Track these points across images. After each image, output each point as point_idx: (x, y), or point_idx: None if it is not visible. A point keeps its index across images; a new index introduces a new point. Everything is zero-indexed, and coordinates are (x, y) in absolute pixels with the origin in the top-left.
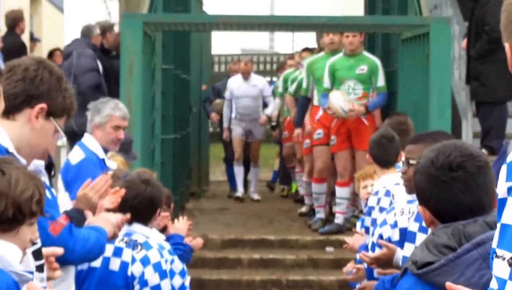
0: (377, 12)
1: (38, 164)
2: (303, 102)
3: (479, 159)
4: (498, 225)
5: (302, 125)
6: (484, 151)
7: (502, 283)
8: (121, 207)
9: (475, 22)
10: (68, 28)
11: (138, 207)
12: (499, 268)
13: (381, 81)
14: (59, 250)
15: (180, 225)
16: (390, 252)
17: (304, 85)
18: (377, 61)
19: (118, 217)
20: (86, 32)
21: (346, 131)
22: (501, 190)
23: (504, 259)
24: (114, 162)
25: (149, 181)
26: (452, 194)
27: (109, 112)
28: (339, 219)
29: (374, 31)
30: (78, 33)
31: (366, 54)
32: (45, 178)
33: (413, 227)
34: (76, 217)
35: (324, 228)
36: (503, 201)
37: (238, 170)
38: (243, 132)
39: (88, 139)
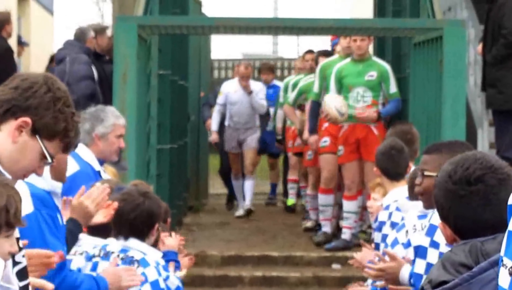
0: (387, 14)
1: (56, 186)
2: (314, 107)
3: (501, 172)
4: (506, 232)
5: (317, 131)
6: None
7: None
8: (117, 221)
9: (492, 25)
10: (58, 31)
11: (135, 221)
12: (502, 277)
13: (393, 88)
14: (49, 286)
15: (171, 242)
16: (397, 265)
17: (316, 89)
18: (387, 66)
19: (131, 277)
20: (80, 35)
21: (355, 141)
22: None
23: (506, 267)
24: (107, 174)
25: (147, 194)
26: (471, 210)
27: (113, 121)
28: (346, 234)
29: (384, 35)
30: (69, 36)
31: (376, 59)
32: (58, 202)
33: (424, 241)
34: (72, 230)
35: (331, 244)
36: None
37: (238, 186)
38: (237, 143)
39: (82, 150)
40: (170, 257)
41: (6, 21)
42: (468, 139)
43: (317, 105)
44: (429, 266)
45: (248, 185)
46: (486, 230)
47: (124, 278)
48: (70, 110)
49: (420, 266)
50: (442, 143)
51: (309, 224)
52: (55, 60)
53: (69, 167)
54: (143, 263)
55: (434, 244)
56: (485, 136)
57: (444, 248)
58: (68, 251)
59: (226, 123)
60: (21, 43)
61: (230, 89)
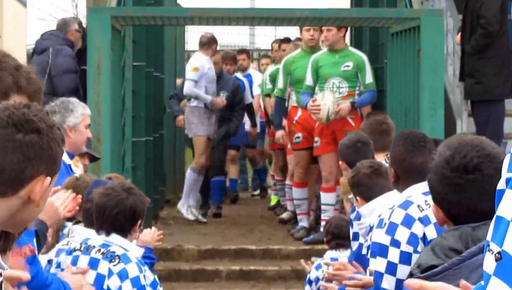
0: (364, 4)
1: None
2: (280, 103)
3: (497, 161)
4: (494, 217)
5: (282, 126)
6: None
7: (487, 278)
8: (100, 216)
9: (470, 15)
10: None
11: (118, 217)
12: (488, 262)
13: (369, 78)
14: (24, 276)
15: (147, 237)
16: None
17: (280, 85)
18: (363, 56)
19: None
20: (62, 26)
21: (331, 133)
22: (501, 181)
23: (492, 253)
24: (77, 168)
25: (131, 190)
26: (467, 198)
27: (81, 111)
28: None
29: (361, 25)
30: (42, 28)
31: (352, 49)
32: None
33: (385, 240)
34: (41, 229)
35: (309, 237)
36: (500, 193)
37: (197, 180)
38: (213, 130)
39: None
40: (145, 253)
41: None
42: (447, 130)
43: (282, 101)
44: (390, 264)
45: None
46: (480, 218)
47: (84, 287)
48: None
49: (380, 265)
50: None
51: (285, 215)
52: (35, 51)
53: None
54: (125, 259)
55: (395, 243)
56: (464, 127)
57: (404, 247)
58: (38, 250)
59: (200, 104)
60: None
61: (207, 64)
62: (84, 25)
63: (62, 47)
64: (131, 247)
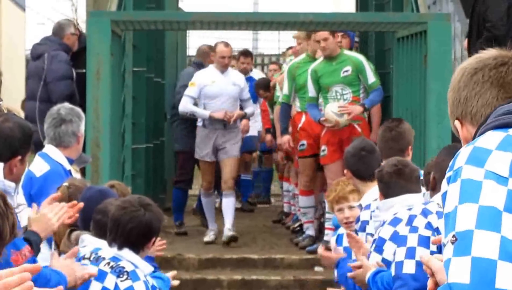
0: (370, 8)
1: (8, 185)
2: (285, 109)
3: None
4: (443, 219)
5: (288, 132)
6: None
7: (447, 263)
8: (114, 229)
9: (477, 19)
10: (30, 27)
11: (132, 232)
12: (446, 253)
13: (371, 78)
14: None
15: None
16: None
17: (286, 91)
18: (360, 57)
19: (84, 269)
20: (58, 30)
21: (338, 141)
22: (443, 187)
23: (448, 241)
24: (77, 173)
25: (148, 207)
26: None
27: (83, 116)
28: (328, 236)
29: (366, 29)
30: (41, 32)
31: (348, 53)
32: (11, 200)
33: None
34: (35, 240)
35: (313, 246)
36: (444, 195)
37: (208, 202)
38: (213, 150)
39: (51, 150)
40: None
41: None
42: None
43: (288, 107)
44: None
45: (229, 204)
46: None
47: (76, 272)
48: None
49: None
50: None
51: (291, 222)
52: (32, 56)
53: (39, 167)
54: (133, 276)
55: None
56: None
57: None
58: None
59: (199, 123)
60: None
61: (207, 80)
62: (81, 28)
63: (57, 53)
64: (141, 264)
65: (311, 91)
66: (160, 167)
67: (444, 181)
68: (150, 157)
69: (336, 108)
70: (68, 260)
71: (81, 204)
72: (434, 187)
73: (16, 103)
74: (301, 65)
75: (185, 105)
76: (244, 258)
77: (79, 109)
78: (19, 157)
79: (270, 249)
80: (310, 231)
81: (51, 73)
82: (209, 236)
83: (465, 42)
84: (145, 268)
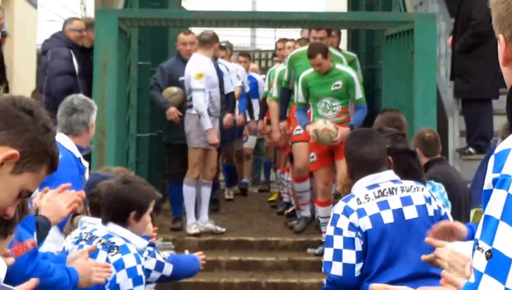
0: (361, 8)
1: None
2: (284, 94)
3: None
4: (482, 217)
5: (286, 117)
6: (471, 149)
7: (478, 276)
8: (101, 207)
9: (461, 17)
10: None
11: (111, 206)
12: (478, 260)
13: (359, 94)
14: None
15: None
16: None
17: (285, 77)
18: (351, 73)
19: (101, 276)
20: (62, 27)
21: (328, 148)
22: (487, 181)
23: (482, 251)
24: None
25: (130, 183)
26: None
27: (95, 107)
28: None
29: (357, 28)
30: (52, 29)
31: (339, 67)
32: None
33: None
34: (43, 224)
35: (319, 249)
36: (488, 193)
37: (191, 193)
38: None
39: (62, 139)
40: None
41: None
42: (439, 127)
43: (287, 92)
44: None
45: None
46: None
47: (94, 273)
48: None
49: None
50: None
51: (290, 209)
52: (41, 51)
53: None
54: (123, 249)
55: (338, 231)
56: (456, 125)
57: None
58: (38, 243)
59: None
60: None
61: (207, 68)
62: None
63: (59, 50)
64: (133, 239)
65: (301, 97)
66: (163, 154)
67: (488, 176)
68: (154, 145)
69: (321, 126)
70: (92, 261)
71: (82, 193)
72: (351, 175)
73: (27, 93)
74: (301, 57)
75: (200, 103)
76: (241, 240)
77: (92, 100)
78: None
79: (266, 232)
80: (305, 212)
81: (51, 69)
82: (193, 228)
83: (449, 40)
84: (138, 242)
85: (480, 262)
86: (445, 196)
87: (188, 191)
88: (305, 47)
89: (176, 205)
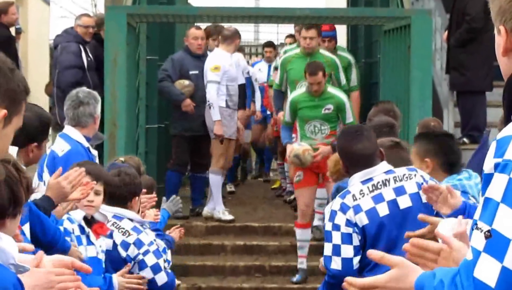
0: (360, 4)
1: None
2: (278, 93)
3: None
4: (482, 199)
5: (283, 109)
6: (465, 139)
7: (476, 254)
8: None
9: (456, 13)
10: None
11: (113, 191)
12: (476, 239)
13: (349, 118)
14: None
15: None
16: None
17: (277, 80)
18: (343, 98)
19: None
20: (74, 22)
21: (315, 167)
22: (488, 165)
23: (482, 231)
24: (94, 150)
25: (122, 172)
26: None
27: (99, 99)
28: (303, 264)
29: (356, 23)
30: (63, 25)
31: (331, 90)
32: None
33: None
34: (44, 205)
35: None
36: (489, 176)
37: (219, 181)
38: (233, 130)
39: (70, 131)
40: (151, 226)
41: (4, 11)
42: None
43: (280, 92)
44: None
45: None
46: None
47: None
48: None
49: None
50: None
51: (293, 196)
52: (54, 46)
53: (61, 147)
54: (136, 230)
55: (336, 227)
56: (451, 117)
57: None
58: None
59: (222, 104)
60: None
61: (225, 61)
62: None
63: (67, 44)
64: (136, 217)
65: (287, 117)
66: (170, 144)
67: (490, 160)
68: (162, 136)
69: (302, 149)
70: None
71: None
72: (347, 171)
73: (41, 87)
74: (293, 60)
75: (214, 95)
76: (246, 226)
77: (95, 93)
78: (35, 144)
79: (269, 218)
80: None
81: (60, 63)
82: (226, 214)
83: (445, 35)
84: (139, 221)
85: (479, 241)
86: (479, 186)
87: (217, 180)
88: (297, 50)
89: (170, 194)
